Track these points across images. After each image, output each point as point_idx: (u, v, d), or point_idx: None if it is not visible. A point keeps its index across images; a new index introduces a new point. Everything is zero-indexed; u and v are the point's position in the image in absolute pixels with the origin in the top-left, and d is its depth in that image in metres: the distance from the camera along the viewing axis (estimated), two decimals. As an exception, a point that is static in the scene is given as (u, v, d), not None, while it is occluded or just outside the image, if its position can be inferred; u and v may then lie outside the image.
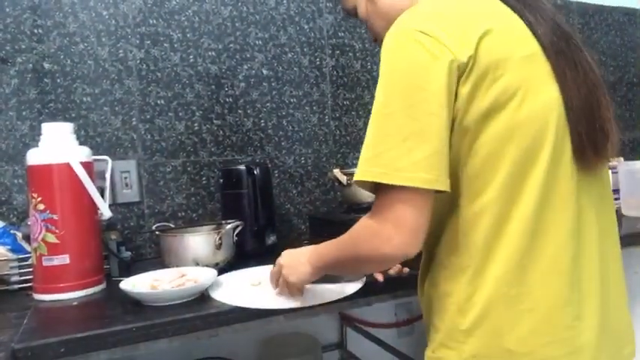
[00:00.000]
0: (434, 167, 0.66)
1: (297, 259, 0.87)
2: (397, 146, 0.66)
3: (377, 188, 0.69)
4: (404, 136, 0.66)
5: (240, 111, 1.56)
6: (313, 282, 0.96)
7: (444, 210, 0.73)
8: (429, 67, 0.67)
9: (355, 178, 0.70)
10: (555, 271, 0.70)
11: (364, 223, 0.72)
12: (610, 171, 1.75)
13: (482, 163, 0.70)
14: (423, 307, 0.82)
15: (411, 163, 0.65)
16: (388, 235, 0.67)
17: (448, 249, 0.74)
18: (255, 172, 1.34)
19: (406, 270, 0.99)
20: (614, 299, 0.78)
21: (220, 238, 1.15)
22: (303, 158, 1.64)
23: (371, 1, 0.90)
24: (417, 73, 0.68)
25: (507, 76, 0.69)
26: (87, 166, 1.05)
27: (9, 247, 1.12)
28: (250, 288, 1.01)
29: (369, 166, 0.69)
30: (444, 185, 0.67)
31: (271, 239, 1.36)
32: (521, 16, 0.76)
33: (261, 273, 1.07)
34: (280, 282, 0.91)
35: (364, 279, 0.99)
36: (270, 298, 0.93)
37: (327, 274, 0.86)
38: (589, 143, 0.72)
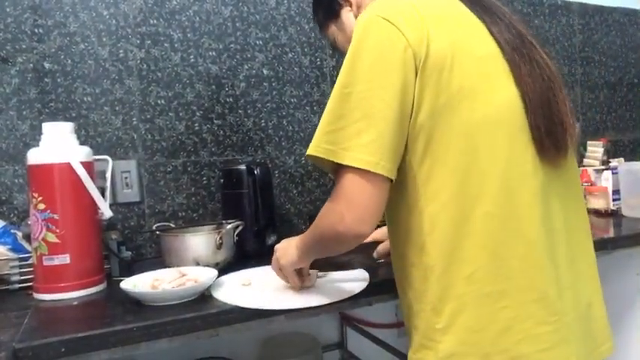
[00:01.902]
0: (378, 151, 0.68)
1: (289, 244, 0.91)
2: (349, 126, 0.69)
3: (336, 168, 0.71)
4: (356, 118, 0.69)
5: (240, 111, 1.56)
6: (321, 271, 0.97)
7: (409, 210, 0.75)
8: (389, 54, 0.70)
9: (307, 152, 0.73)
10: (528, 268, 0.71)
11: (325, 203, 0.75)
12: (611, 171, 1.77)
13: (437, 162, 0.71)
14: (404, 309, 0.82)
15: (359, 145, 0.68)
16: (341, 213, 0.70)
17: (416, 249, 0.75)
18: (255, 172, 1.34)
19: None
20: (587, 296, 0.80)
21: (221, 238, 1.15)
22: (303, 158, 1.64)
23: (341, 30, 0.99)
24: (377, 60, 0.70)
25: (463, 75, 0.71)
26: (87, 165, 1.05)
27: (9, 246, 1.12)
28: (252, 288, 1.01)
29: (320, 142, 0.72)
30: (384, 170, 0.69)
31: (272, 239, 1.36)
32: (478, 17, 0.78)
33: (256, 273, 1.08)
34: (274, 266, 0.95)
35: (367, 279, 0.99)
36: (270, 298, 0.93)
37: (310, 257, 0.89)
38: (547, 136, 0.74)
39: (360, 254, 1.00)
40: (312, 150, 0.72)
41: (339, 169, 0.70)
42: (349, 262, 1.00)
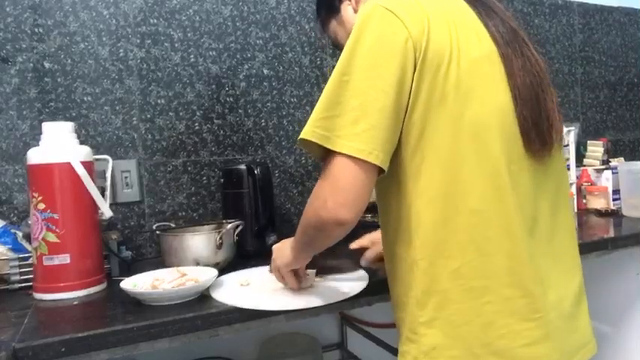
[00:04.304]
0: (371, 140, 0.68)
1: (285, 245, 0.91)
2: (344, 114, 0.69)
3: (325, 155, 0.71)
4: (353, 106, 0.69)
5: (240, 110, 1.56)
6: (318, 274, 0.97)
7: (398, 204, 0.75)
8: (389, 44, 0.70)
9: (300, 136, 0.72)
10: (512, 265, 0.72)
11: (313, 189, 0.75)
12: (611, 171, 1.76)
13: (427, 158, 0.72)
14: (393, 302, 0.83)
15: (353, 133, 0.68)
16: (324, 197, 0.70)
17: (404, 243, 0.75)
18: (255, 172, 1.34)
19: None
20: (572, 295, 0.80)
21: (221, 238, 1.15)
22: (303, 158, 1.64)
23: (340, 25, 0.99)
24: (377, 50, 0.70)
25: (459, 75, 0.72)
26: (87, 165, 1.05)
27: (9, 246, 1.12)
28: (251, 288, 1.01)
29: (314, 127, 0.71)
30: (377, 159, 0.68)
31: (272, 239, 1.36)
32: (475, 10, 0.79)
33: (255, 273, 1.08)
34: (272, 266, 0.95)
35: (367, 278, 0.99)
36: (270, 299, 0.93)
37: (303, 255, 0.88)
38: (533, 127, 0.75)
39: (348, 259, 1.00)
40: (306, 134, 0.72)
41: (329, 155, 0.70)
42: (338, 266, 1.00)
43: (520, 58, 0.76)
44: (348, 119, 0.69)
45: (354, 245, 1.01)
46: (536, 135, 0.76)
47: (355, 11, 0.95)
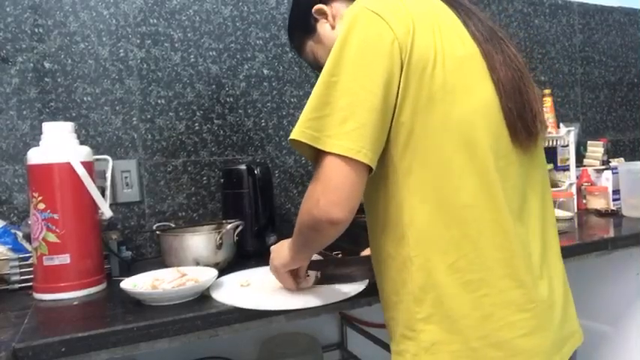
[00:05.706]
0: (360, 139, 0.69)
1: (283, 246, 0.91)
2: (333, 114, 0.70)
3: (316, 155, 0.72)
4: (341, 106, 0.70)
5: (240, 111, 1.56)
6: (321, 282, 0.97)
7: (388, 202, 0.76)
8: (376, 45, 0.71)
9: (290, 136, 0.73)
10: (505, 258, 0.73)
11: (307, 190, 0.75)
12: (611, 171, 1.76)
13: (418, 156, 0.73)
14: (382, 301, 0.83)
15: (342, 132, 0.69)
16: (317, 196, 0.71)
17: (394, 241, 0.76)
18: (255, 172, 1.34)
19: None
20: (559, 285, 0.82)
21: (221, 238, 1.15)
22: (303, 158, 1.64)
23: (319, 43, 0.97)
24: (365, 51, 0.71)
25: (445, 73, 0.73)
26: (87, 165, 1.05)
27: (9, 246, 1.12)
28: (251, 289, 1.01)
29: (304, 128, 0.72)
30: (366, 158, 0.69)
31: (272, 239, 1.36)
32: (454, 12, 0.81)
33: (255, 274, 1.08)
34: (270, 267, 0.95)
35: (367, 281, 0.99)
36: (270, 299, 0.93)
37: (300, 256, 0.88)
38: (519, 118, 0.77)
39: (361, 267, 1.00)
40: (296, 135, 0.72)
41: (319, 155, 0.71)
42: (350, 275, 1.00)
43: (500, 55, 0.78)
44: (337, 119, 0.69)
45: (366, 252, 1.01)
46: (522, 126, 0.77)
47: (333, 27, 0.93)
